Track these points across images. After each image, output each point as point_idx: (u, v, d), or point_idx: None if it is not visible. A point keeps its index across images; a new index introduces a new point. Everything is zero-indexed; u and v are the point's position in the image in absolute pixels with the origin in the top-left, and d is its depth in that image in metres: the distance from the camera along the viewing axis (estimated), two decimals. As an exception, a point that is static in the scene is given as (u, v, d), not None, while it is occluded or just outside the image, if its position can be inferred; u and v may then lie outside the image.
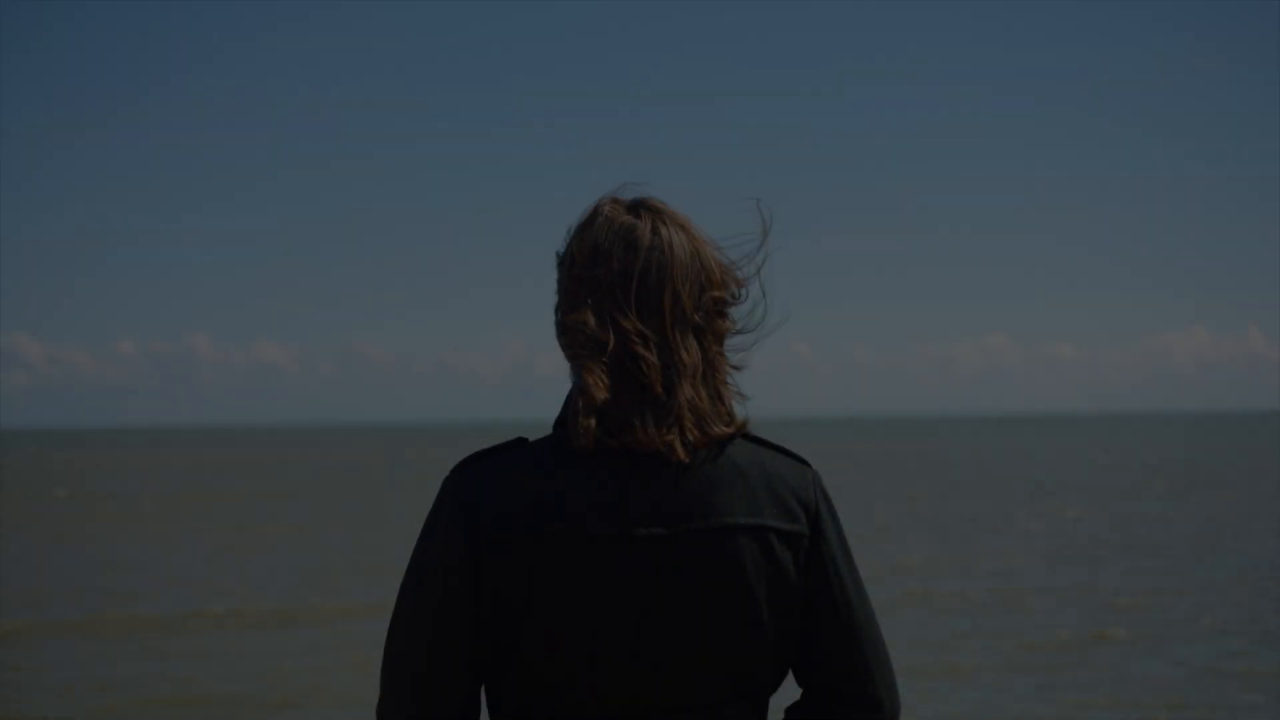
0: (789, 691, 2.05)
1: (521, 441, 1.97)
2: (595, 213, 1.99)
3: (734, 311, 1.98)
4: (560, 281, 1.99)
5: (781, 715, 2.02)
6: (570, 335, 1.93)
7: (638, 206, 1.99)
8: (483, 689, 1.96)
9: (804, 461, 2.02)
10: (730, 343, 1.98)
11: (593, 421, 1.87)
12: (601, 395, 1.87)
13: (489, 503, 1.89)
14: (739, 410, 1.96)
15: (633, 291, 1.91)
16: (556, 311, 1.98)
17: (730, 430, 1.93)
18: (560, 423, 1.96)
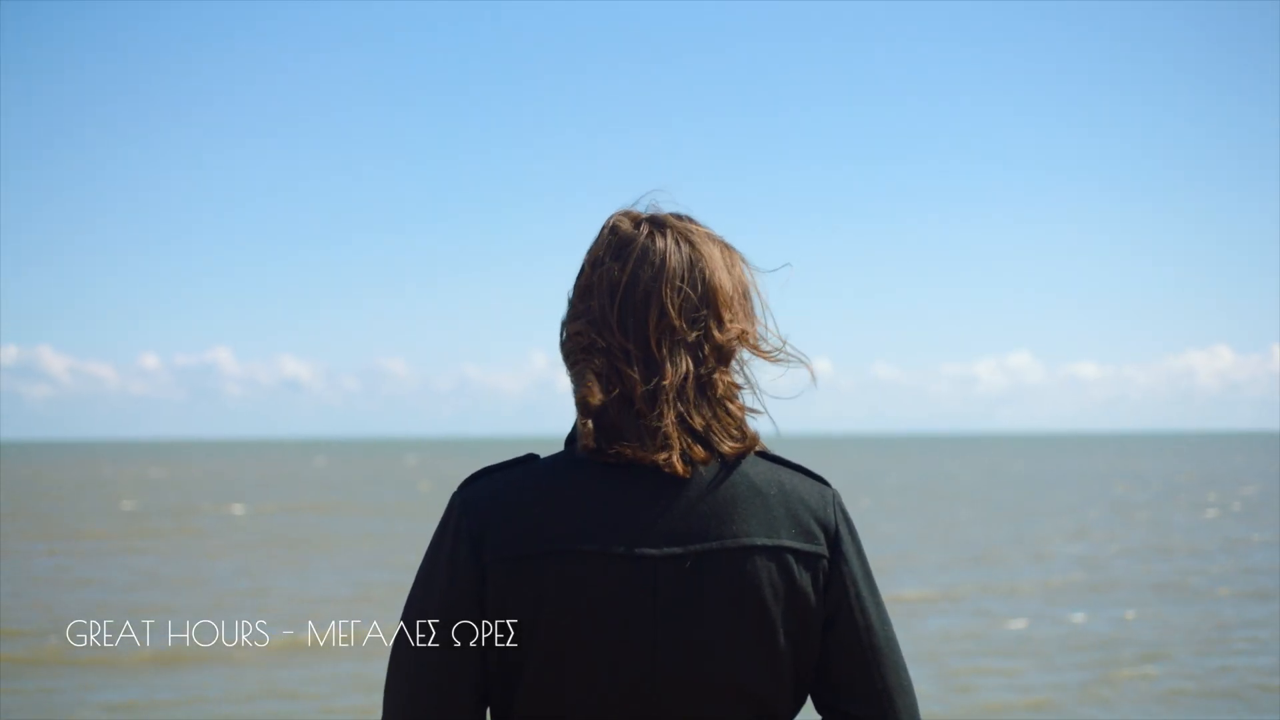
0: (806, 717, 2.00)
1: (531, 457, 1.92)
2: (603, 226, 1.96)
3: (760, 329, 1.95)
4: (568, 294, 1.96)
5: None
6: (571, 348, 1.91)
7: (643, 218, 1.96)
8: (489, 711, 1.91)
9: (823, 481, 1.96)
10: (755, 361, 1.94)
11: (590, 424, 1.84)
12: (596, 399, 1.84)
13: (497, 519, 1.85)
14: (753, 427, 1.91)
15: (618, 305, 1.88)
16: (561, 325, 1.95)
17: (740, 447, 1.88)
18: (571, 440, 1.92)
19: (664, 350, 1.87)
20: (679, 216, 1.97)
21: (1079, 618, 16.56)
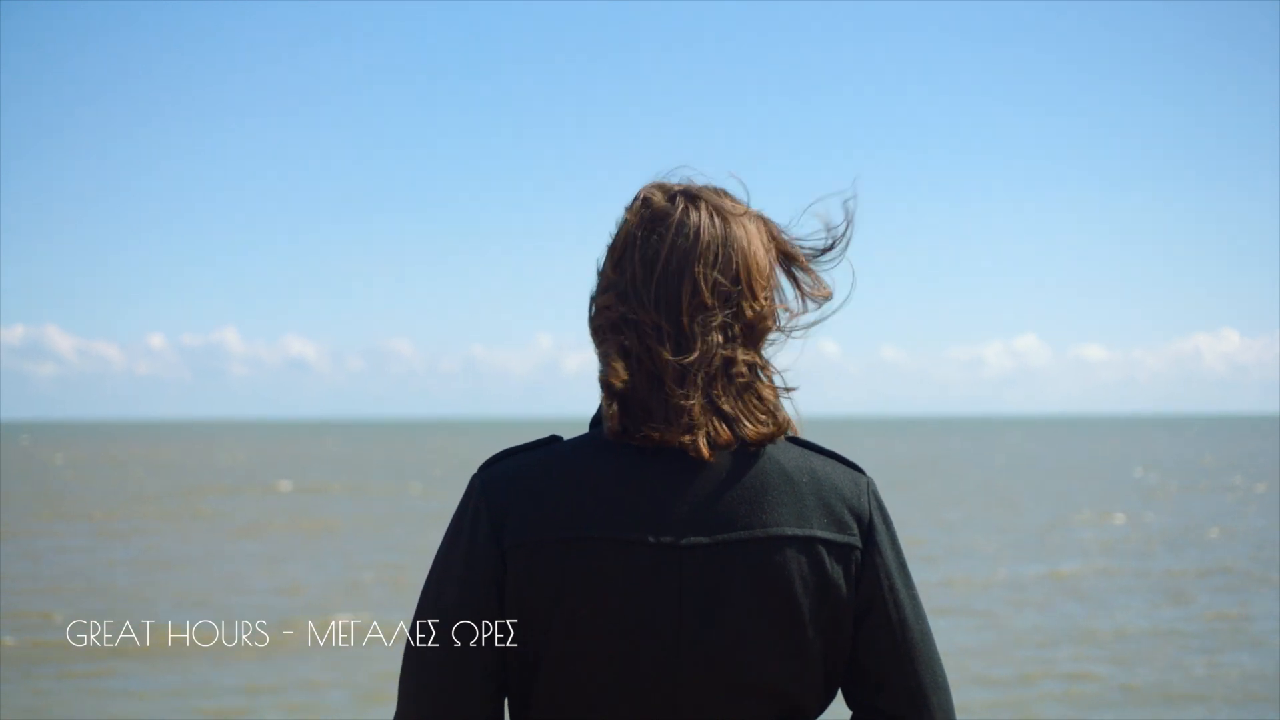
0: (837, 713, 1.93)
1: (554, 439, 1.85)
2: (635, 197, 1.89)
3: (795, 306, 1.88)
4: (598, 268, 1.89)
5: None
6: (600, 323, 1.84)
7: (678, 192, 1.88)
8: (506, 702, 1.84)
9: (857, 468, 1.88)
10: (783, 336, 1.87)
11: (615, 407, 1.77)
12: (620, 381, 1.77)
13: (517, 504, 1.78)
14: (786, 411, 1.83)
15: (653, 280, 1.81)
16: (590, 300, 1.88)
17: (769, 431, 1.80)
18: (595, 423, 1.85)
19: (696, 328, 1.79)
20: (713, 190, 1.90)
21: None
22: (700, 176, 1.92)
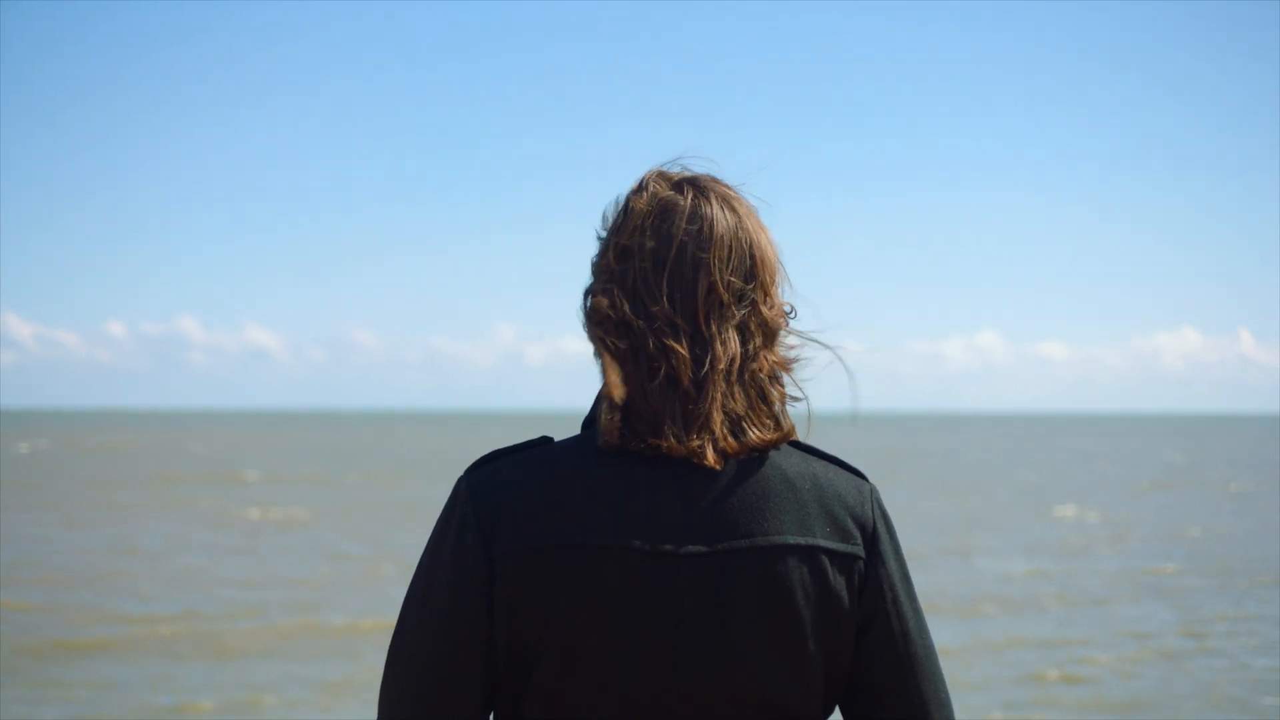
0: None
1: (545, 441, 1.77)
2: (638, 186, 1.79)
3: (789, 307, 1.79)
4: (594, 260, 1.79)
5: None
6: (600, 320, 1.73)
7: (684, 181, 1.79)
8: (493, 713, 1.76)
9: (860, 474, 1.81)
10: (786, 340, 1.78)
11: (617, 417, 1.68)
12: (623, 390, 1.68)
13: (507, 508, 1.70)
14: (788, 415, 1.76)
15: (665, 274, 1.71)
16: (585, 293, 1.78)
17: (773, 437, 1.73)
18: (589, 423, 1.77)
19: (713, 326, 1.71)
20: (715, 180, 1.81)
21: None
22: (699, 166, 1.83)
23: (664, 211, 1.75)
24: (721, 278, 1.72)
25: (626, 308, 1.71)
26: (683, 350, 1.69)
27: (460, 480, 1.75)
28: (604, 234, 1.79)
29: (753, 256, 1.75)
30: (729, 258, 1.73)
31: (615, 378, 1.69)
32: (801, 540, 1.70)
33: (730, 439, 1.70)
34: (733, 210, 1.77)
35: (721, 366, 1.69)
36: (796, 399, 1.77)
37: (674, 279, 1.72)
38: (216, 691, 11.41)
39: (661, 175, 1.80)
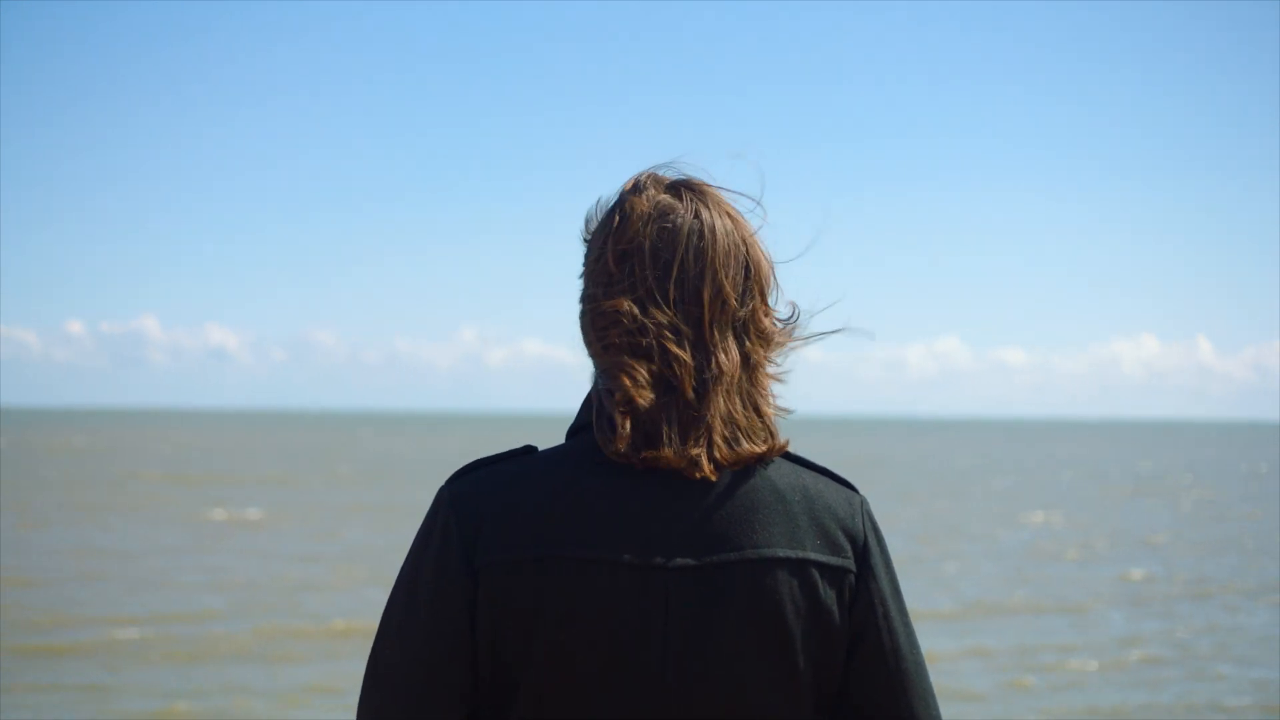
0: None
1: (529, 450, 1.73)
2: (634, 188, 1.75)
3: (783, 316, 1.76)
4: (588, 264, 1.75)
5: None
6: (606, 325, 1.69)
7: (679, 186, 1.76)
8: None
9: (851, 486, 1.78)
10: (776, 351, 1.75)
11: (629, 426, 1.64)
12: (645, 399, 1.63)
13: (491, 520, 1.66)
14: (779, 427, 1.73)
15: (671, 280, 1.68)
16: (584, 299, 1.74)
17: (766, 449, 1.70)
18: (574, 431, 1.73)
19: (715, 334, 1.68)
20: (707, 184, 1.78)
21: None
22: (690, 168, 1.80)
23: (665, 214, 1.72)
24: (725, 284, 1.69)
25: (635, 315, 1.68)
26: (686, 357, 1.66)
27: (442, 489, 1.72)
28: (593, 236, 1.76)
29: (749, 264, 1.73)
30: (730, 264, 1.71)
31: (636, 381, 1.65)
32: (791, 553, 1.68)
33: (726, 450, 1.67)
34: (728, 215, 1.74)
35: (723, 375, 1.67)
36: (787, 411, 1.75)
37: (679, 284, 1.69)
38: (192, 697, 11.30)
39: (654, 178, 1.76)
